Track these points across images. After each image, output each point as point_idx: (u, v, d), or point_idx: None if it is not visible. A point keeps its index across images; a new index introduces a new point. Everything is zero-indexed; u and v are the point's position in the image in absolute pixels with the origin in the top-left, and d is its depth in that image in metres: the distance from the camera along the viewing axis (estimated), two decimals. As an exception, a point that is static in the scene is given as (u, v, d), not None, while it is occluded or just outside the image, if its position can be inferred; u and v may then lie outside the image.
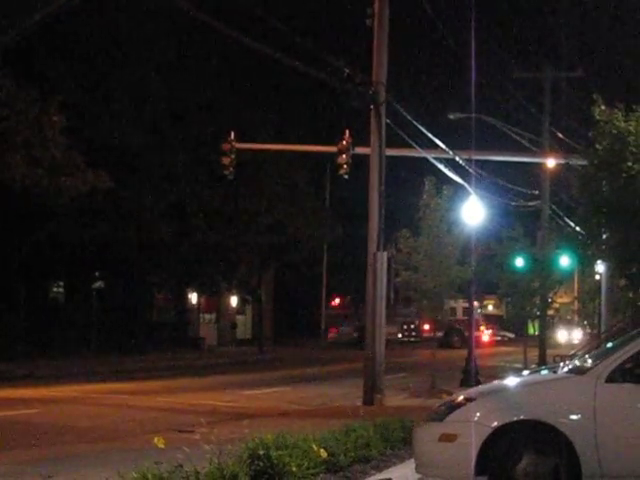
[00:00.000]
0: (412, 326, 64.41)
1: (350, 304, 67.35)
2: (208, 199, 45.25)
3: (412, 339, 63.21)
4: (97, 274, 48.28)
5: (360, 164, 27.09)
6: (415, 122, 25.72)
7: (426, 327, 60.53)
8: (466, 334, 37.64)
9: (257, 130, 42.33)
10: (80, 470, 11.37)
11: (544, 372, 12.73)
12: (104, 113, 40.21)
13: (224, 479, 9.59)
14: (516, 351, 45.75)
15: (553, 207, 39.14)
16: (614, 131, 21.89)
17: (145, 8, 40.86)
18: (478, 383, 24.46)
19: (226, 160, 30.29)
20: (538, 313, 36.70)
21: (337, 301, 69.25)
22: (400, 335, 63.30)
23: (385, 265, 22.56)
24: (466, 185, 29.72)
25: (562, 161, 32.25)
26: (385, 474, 11.76)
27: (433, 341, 38.62)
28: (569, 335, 67.08)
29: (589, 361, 10.80)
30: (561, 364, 11.89)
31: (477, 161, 30.51)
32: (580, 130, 30.41)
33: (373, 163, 23.07)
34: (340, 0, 48.44)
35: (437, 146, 28.17)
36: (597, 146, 22.25)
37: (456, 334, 59.24)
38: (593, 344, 32.21)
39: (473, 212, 28.42)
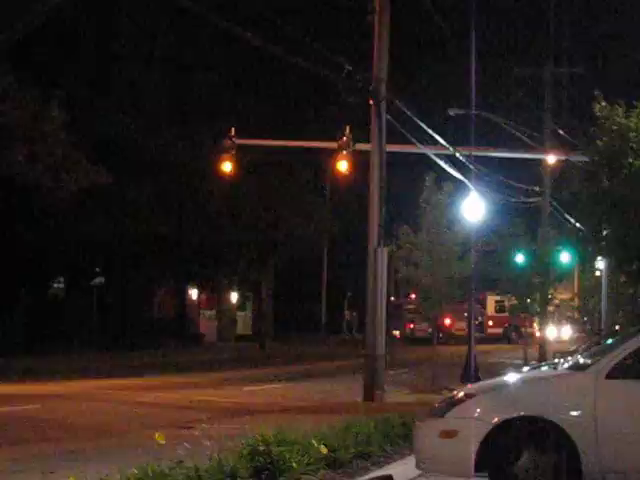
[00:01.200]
0: (476, 322, 64.62)
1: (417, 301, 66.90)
2: (208, 195, 45.21)
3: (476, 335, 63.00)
4: (97, 270, 48.26)
5: (361, 160, 27.04)
6: (415, 118, 25.68)
7: (490, 323, 61.51)
8: (524, 330, 38.28)
9: (257, 126, 42.26)
10: (80, 466, 11.36)
11: (544, 368, 12.72)
12: (104, 108, 40.19)
13: (224, 475, 9.59)
14: (516, 347, 45.75)
15: (554, 204, 39.10)
16: (615, 127, 21.89)
17: (144, 3, 40.84)
18: (478, 379, 24.43)
19: (226, 156, 30.25)
20: (538, 309, 36.68)
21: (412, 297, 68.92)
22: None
23: (385, 261, 22.51)
24: (466, 181, 29.67)
25: (563, 157, 32.22)
26: (385, 470, 11.74)
27: (496, 337, 38.34)
28: (558, 332, 66.79)
29: (589, 357, 10.80)
30: (561, 360, 11.87)
31: (477, 157, 30.46)
32: (581, 126, 30.37)
33: (373, 159, 23.04)
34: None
35: (437, 142, 28.12)
36: (598, 142, 22.25)
37: (514, 330, 60.87)
38: (593, 340, 32.24)
39: (473, 208, 28.38)
